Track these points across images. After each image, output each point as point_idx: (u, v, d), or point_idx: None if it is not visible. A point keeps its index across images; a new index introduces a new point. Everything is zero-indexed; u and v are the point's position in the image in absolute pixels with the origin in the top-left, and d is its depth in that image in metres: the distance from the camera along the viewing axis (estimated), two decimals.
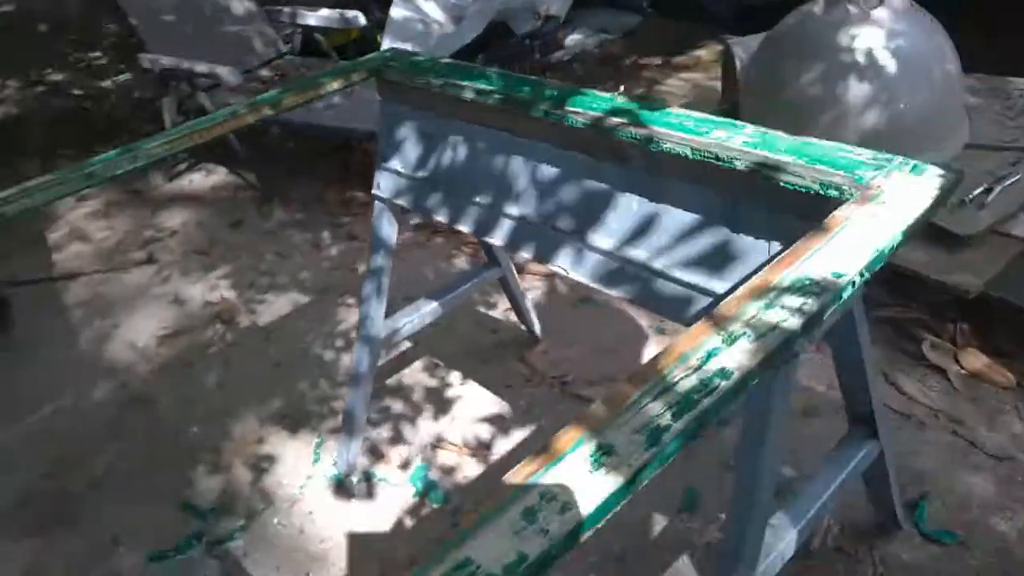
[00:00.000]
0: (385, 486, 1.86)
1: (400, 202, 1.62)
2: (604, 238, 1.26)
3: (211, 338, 2.41)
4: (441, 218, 1.53)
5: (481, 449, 1.94)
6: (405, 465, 1.92)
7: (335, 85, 1.49)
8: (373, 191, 1.66)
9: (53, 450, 2.01)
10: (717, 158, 1.04)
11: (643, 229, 1.21)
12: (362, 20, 3.46)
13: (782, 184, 0.99)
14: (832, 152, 1.00)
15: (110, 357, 2.36)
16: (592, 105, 1.22)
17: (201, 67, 2.88)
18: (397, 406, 2.10)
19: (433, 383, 2.17)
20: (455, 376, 2.18)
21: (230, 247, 2.89)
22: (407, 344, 2.30)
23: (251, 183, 3.29)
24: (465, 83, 1.37)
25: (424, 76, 1.44)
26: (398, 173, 1.61)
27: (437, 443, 1.97)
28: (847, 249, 0.82)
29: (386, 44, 4.23)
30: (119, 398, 2.19)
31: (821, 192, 0.96)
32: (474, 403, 2.08)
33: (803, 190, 0.97)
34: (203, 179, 3.43)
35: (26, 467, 1.97)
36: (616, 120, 1.16)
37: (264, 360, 2.30)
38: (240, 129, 1.45)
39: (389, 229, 1.70)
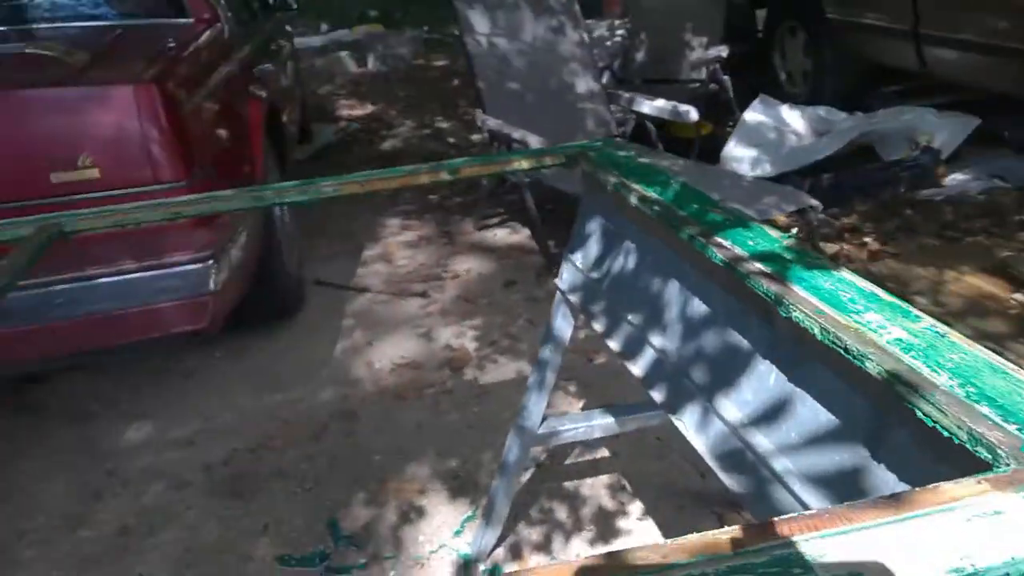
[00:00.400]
0: None
1: (572, 299, 1.49)
2: (732, 408, 0.99)
3: (435, 380, 2.50)
4: (598, 327, 1.37)
5: None
6: None
7: (524, 164, 1.42)
8: (555, 280, 1.56)
9: (266, 431, 2.24)
10: (847, 350, 0.74)
11: (774, 413, 0.92)
12: (694, 116, 3.38)
13: (918, 416, 0.66)
14: (1017, 389, 0.64)
15: (349, 368, 2.58)
16: (745, 242, 0.97)
17: (516, 134, 3.06)
18: (562, 514, 1.93)
19: (610, 505, 1.95)
20: (636, 507, 1.94)
21: (493, 303, 2.99)
22: (604, 451, 2.12)
23: (543, 250, 3.38)
24: (636, 186, 1.20)
25: (607, 172, 1.30)
26: (576, 267, 1.48)
27: None
28: (904, 549, 0.50)
29: (731, 145, 4.10)
30: (336, 407, 2.37)
31: (968, 446, 0.61)
32: None
33: (945, 433, 0.64)
34: (506, 236, 3.62)
35: (240, 438, 2.22)
36: (755, 266, 0.90)
37: (466, 417, 2.31)
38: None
39: (563, 323, 1.57)
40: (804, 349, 0.86)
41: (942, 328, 0.75)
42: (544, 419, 1.66)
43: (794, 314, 0.82)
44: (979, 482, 0.55)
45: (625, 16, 5.39)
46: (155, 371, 2.57)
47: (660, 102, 3.52)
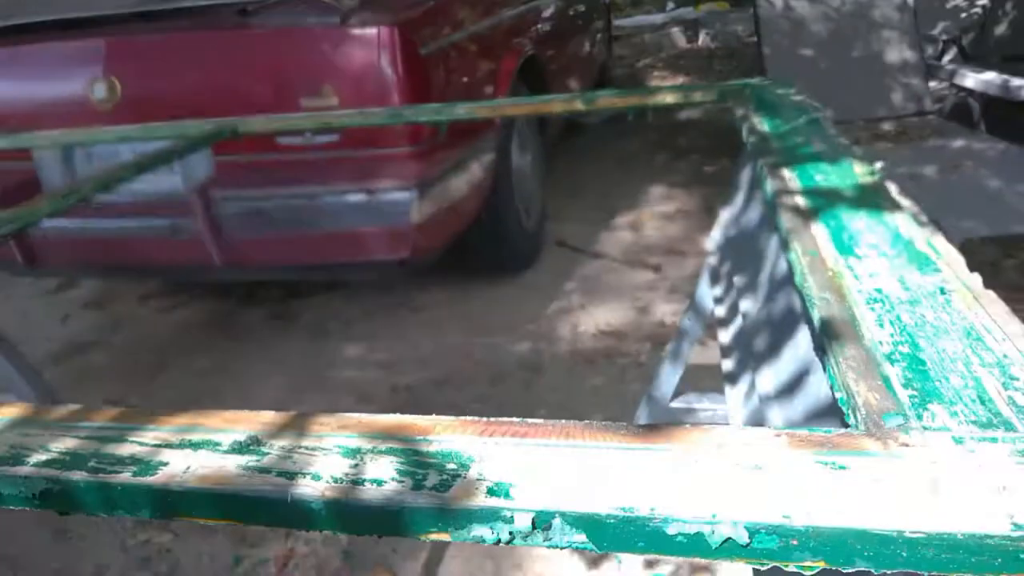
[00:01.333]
0: (613, 566, 1.61)
1: (712, 261, 1.32)
2: (770, 379, 0.81)
3: (632, 351, 2.40)
4: (717, 292, 1.20)
5: None
6: (651, 564, 1.61)
7: (670, 99, 1.28)
8: (707, 239, 1.39)
9: (458, 367, 2.36)
10: (805, 296, 0.55)
11: (795, 386, 0.73)
12: None
13: (829, 371, 0.47)
14: (970, 357, 0.42)
15: (555, 326, 2.58)
16: (812, 175, 0.77)
17: None
18: None
19: None
20: None
21: None
22: None
23: None
24: (756, 118, 1.02)
25: (745, 107, 1.12)
26: (722, 225, 1.31)
27: (699, 569, 1.58)
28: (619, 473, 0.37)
29: None
30: (526, 359, 2.39)
31: (840, 404, 0.43)
32: None
33: (835, 390, 0.45)
34: None
35: (434, 369, 2.36)
36: (797, 200, 0.71)
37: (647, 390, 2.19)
38: None
39: (706, 289, 1.39)
40: None
41: (954, 284, 0.52)
42: (679, 393, 1.51)
43: (790, 253, 0.63)
44: (778, 435, 0.38)
45: None
46: (392, 304, 2.83)
47: (989, 75, 2.93)
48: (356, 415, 0.48)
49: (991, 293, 0.49)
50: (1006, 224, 2.05)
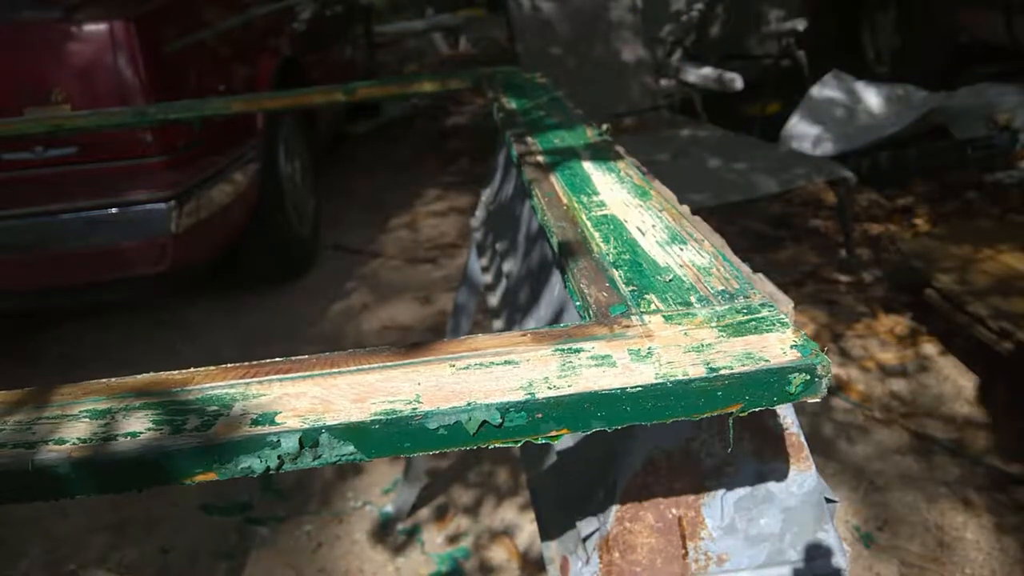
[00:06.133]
0: (416, 548, 1.63)
1: (478, 236, 1.38)
2: (531, 326, 0.87)
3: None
4: (484, 262, 1.26)
5: (534, 569, 1.57)
6: (453, 540, 1.65)
7: (428, 86, 1.32)
8: (471, 219, 1.46)
9: None
10: (546, 228, 0.61)
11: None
12: (739, 84, 3.15)
13: (568, 282, 0.53)
14: (677, 259, 0.50)
15: (337, 328, 2.55)
16: (552, 140, 0.85)
17: None
18: (501, 478, 1.82)
19: None
20: None
21: None
22: None
23: None
24: (505, 99, 1.09)
25: (497, 91, 1.19)
26: (483, 203, 1.38)
27: (498, 536, 1.65)
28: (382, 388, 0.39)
29: (793, 122, 3.83)
30: None
31: (576, 304, 0.48)
32: None
33: (572, 295, 0.50)
34: None
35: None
36: (538, 159, 0.78)
37: None
38: None
39: (475, 265, 1.46)
40: None
41: (664, 206, 0.60)
42: None
43: (533, 199, 0.69)
44: (524, 334, 0.43)
45: None
46: (154, 323, 2.63)
47: (706, 70, 3.32)
48: (104, 380, 0.46)
49: (696, 217, 0.58)
50: (726, 195, 2.37)
